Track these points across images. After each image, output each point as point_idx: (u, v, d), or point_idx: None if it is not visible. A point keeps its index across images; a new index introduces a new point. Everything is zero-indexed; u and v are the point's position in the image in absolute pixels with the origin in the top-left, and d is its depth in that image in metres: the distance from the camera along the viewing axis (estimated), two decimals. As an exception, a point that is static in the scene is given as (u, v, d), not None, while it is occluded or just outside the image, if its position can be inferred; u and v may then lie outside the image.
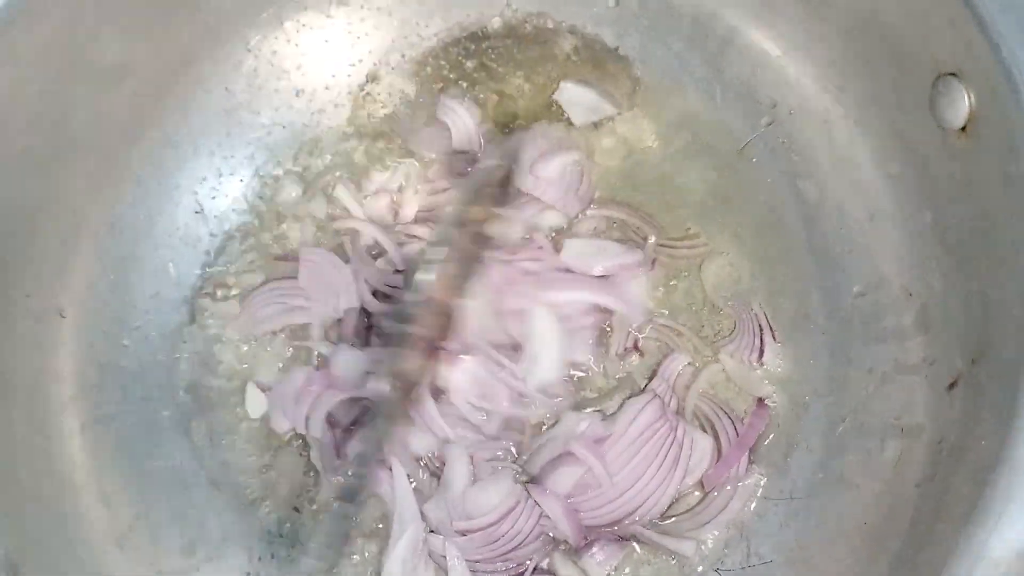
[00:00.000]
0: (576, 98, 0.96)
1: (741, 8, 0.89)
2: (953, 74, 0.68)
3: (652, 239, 0.90)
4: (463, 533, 0.79)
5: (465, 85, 0.98)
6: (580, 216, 0.92)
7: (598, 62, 0.98)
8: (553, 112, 0.97)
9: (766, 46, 0.89)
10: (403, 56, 1.00)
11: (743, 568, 0.78)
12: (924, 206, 0.76)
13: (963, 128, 0.68)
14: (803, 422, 0.82)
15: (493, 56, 0.99)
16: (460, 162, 0.95)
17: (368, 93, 0.99)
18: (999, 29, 0.63)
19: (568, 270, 0.88)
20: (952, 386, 0.69)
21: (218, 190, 0.96)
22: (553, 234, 0.91)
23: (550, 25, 0.99)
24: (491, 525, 0.79)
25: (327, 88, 0.99)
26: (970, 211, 0.69)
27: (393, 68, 1.00)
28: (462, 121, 0.96)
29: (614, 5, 0.96)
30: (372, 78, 1.00)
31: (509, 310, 0.85)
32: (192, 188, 0.95)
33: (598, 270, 0.88)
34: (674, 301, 0.89)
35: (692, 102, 0.94)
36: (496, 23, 1.00)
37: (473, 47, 1.00)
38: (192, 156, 0.95)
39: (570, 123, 0.96)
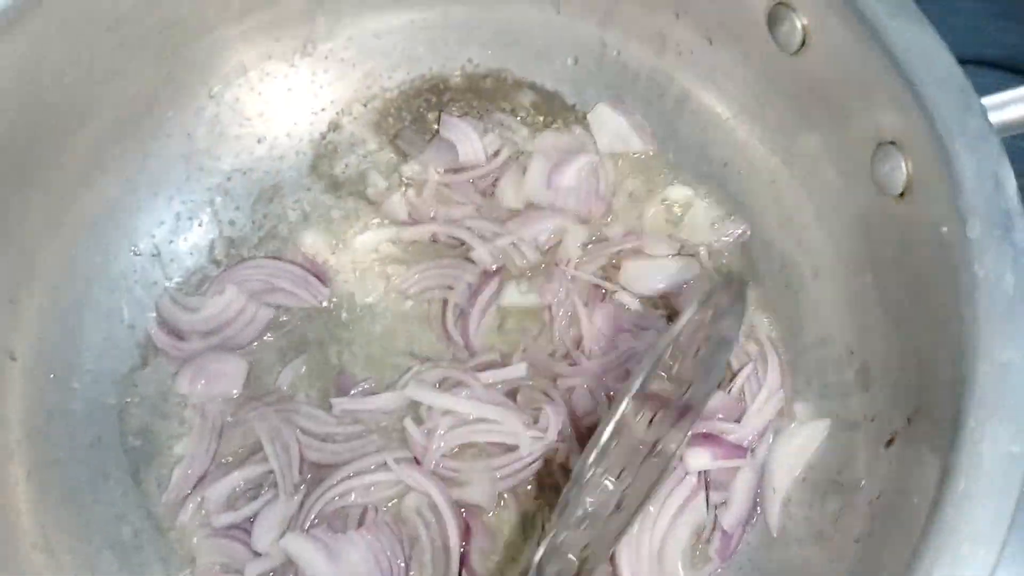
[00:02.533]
0: (609, 123, 0.98)
1: (693, 71, 0.92)
2: (892, 143, 0.71)
3: (703, 251, 0.91)
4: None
5: (427, 137, 1.00)
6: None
7: (557, 116, 1.00)
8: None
9: (718, 109, 0.92)
10: (365, 106, 1.02)
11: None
12: (865, 267, 0.78)
13: (901, 194, 0.71)
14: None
15: (454, 109, 1.01)
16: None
17: (330, 142, 1.01)
18: (936, 102, 0.66)
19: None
20: (890, 443, 0.71)
21: (176, 234, 0.96)
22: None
23: (510, 81, 1.01)
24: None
25: (288, 136, 1.00)
26: (907, 274, 0.72)
27: (355, 118, 1.01)
28: (466, 136, 0.97)
29: (573, 64, 0.99)
30: (334, 127, 1.01)
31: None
32: (150, 231, 0.95)
33: (660, 289, 0.90)
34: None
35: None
36: (457, 77, 1.02)
37: (434, 99, 1.02)
38: (151, 200, 0.95)
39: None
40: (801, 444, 0.81)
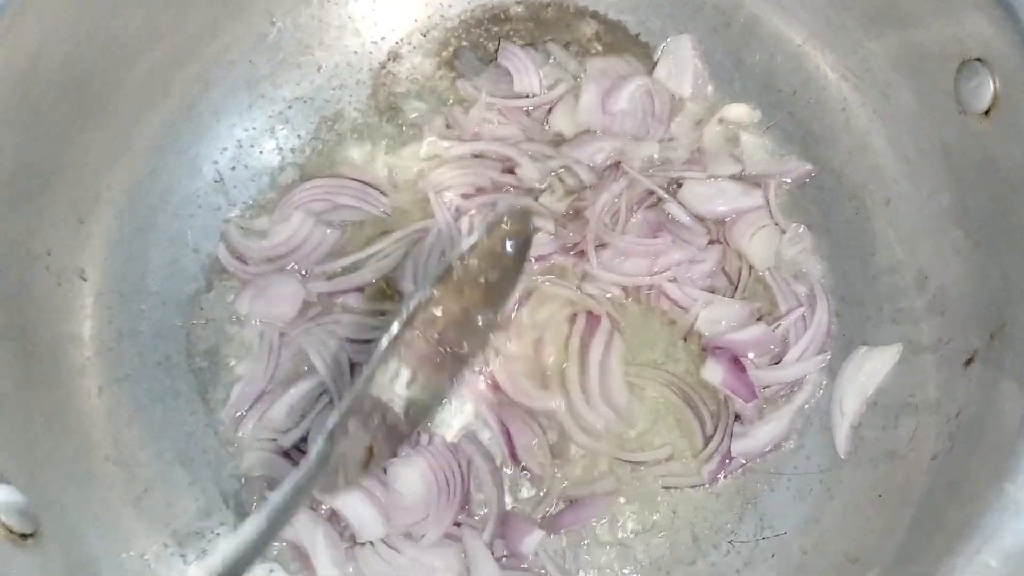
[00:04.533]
0: (678, 59, 0.96)
1: (762, -5, 0.91)
2: (978, 59, 0.70)
3: (772, 185, 0.90)
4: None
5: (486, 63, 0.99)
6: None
7: (619, 48, 0.99)
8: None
9: (787, 34, 0.91)
10: (424, 36, 1.01)
11: (756, 540, 0.79)
12: (942, 189, 0.78)
13: (986, 112, 0.70)
14: (817, 401, 0.83)
15: (514, 38, 1.00)
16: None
17: (389, 71, 1.00)
18: (1025, 13, 0.65)
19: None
20: (969, 362, 0.70)
21: (238, 161, 0.96)
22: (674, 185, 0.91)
23: (572, 10, 1.00)
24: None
25: (349, 65, 1.00)
26: (989, 192, 0.71)
27: (414, 47, 1.01)
28: (523, 65, 0.96)
29: (636, -9, 0.98)
30: (393, 56, 1.00)
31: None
32: (212, 158, 0.95)
33: (720, 212, 0.89)
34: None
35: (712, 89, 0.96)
36: (518, 7, 1.01)
37: (495, 29, 1.01)
38: (213, 127, 0.95)
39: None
40: (871, 369, 0.80)
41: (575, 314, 0.87)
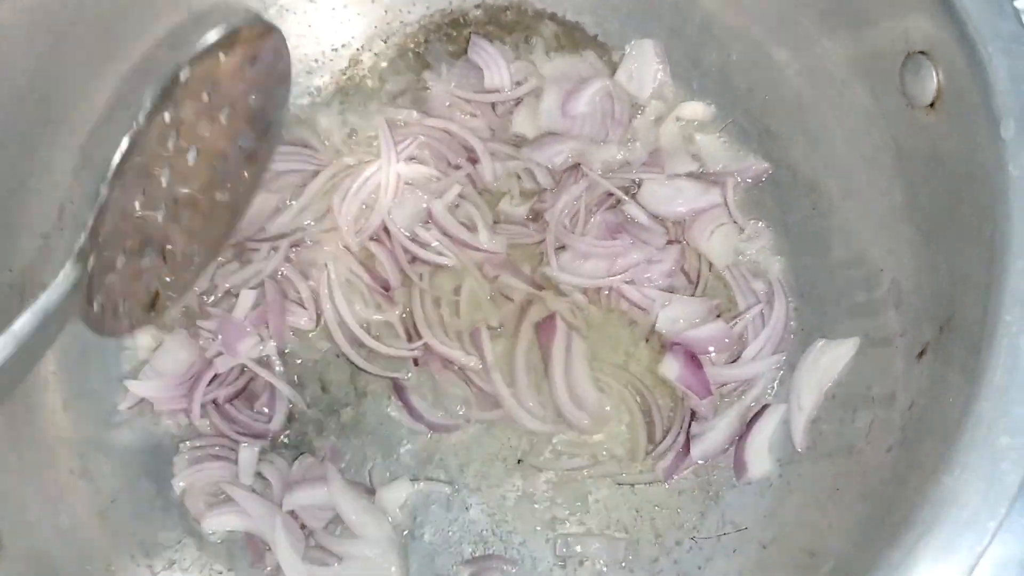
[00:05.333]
0: (640, 65, 0.96)
1: (718, -7, 0.92)
2: (922, 52, 0.70)
3: (730, 183, 0.91)
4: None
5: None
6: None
7: (579, 48, 0.99)
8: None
9: (743, 32, 0.91)
10: (385, 42, 1.01)
11: (718, 536, 0.79)
12: (894, 184, 0.78)
13: (931, 104, 0.70)
14: (776, 395, 0.84)
15: (476, 42, 1.00)
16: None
17: (350, 78, 1.01)
18: (966, 7, 0.65)
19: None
20: (921, 354, 0.71)
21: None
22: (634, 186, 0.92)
23: (530, 12, 1.01)
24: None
25: (309, 72, 1.00)
26: (937, 186, 0.72)
27: (376, 54, 1.01)
28: (494, 61, 0.96)
29: (595, -8, 0.98)
30: (354, 63, 1.01)
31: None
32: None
33: (679, 212, 0.90)
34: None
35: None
36: (477, 10, 1.01)
37: (455, 33, 1.01)
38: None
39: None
40: (829, 362, 0.81)
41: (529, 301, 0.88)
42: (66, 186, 0.87)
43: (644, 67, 0.96)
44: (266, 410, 0.86)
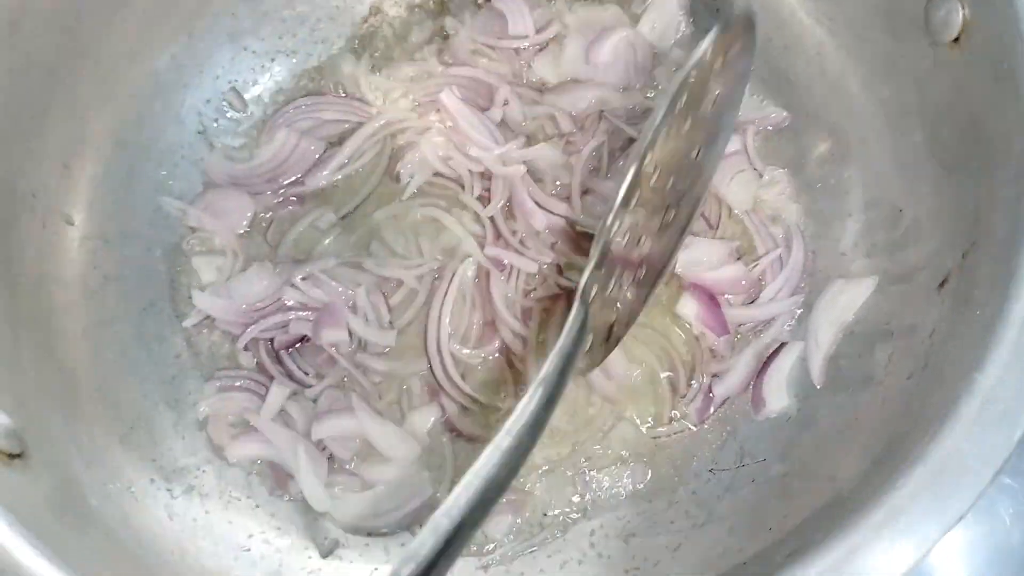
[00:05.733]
0: (663, 13, 0.97)
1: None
2: (947, -13, 0.72)
3: (750, 130, 0.91)
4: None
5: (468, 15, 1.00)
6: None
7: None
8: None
9: (763, -19, 0.92)
10: (408, -10, 1.02)
11: (736, 467, 0.80)
12: (915, 125, 0.79)
13: (956, 39, 0.72)
14: (793, 334, 0.85)
15: (498, -9, 1.01)
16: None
17: (371, 25, 1.01)
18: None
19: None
20: (943, 284, 0.72)
21: (221, 113, 0.96)
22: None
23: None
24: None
25: (331, 19, 1.01)
26: (960, 121, 0.73)
27: (397, 2, 1.01)
28: (517, 7, 0.97)
29: (616, -57, 0.99)
30: (375, 11, 1.01)
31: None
32: (196, 109, 0.96)
33: None
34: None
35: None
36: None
37: (478, -18, 1.02)
38: (196, 78, 0.96)
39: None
40: (847, 301, 0.82)
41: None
42: (89, 117, 0.87)
43: (667, 18, 0.97)
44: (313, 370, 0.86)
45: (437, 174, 0.93)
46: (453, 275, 0.87)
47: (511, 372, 0.85)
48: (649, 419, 0.84)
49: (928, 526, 0.52)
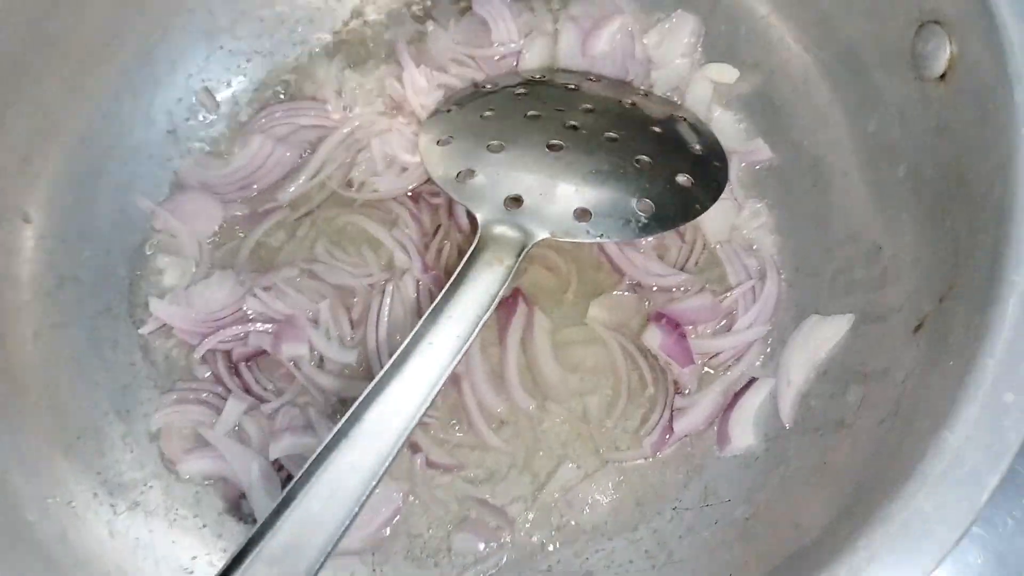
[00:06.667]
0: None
1: (731, -35, 0.91)
2: (935, 22, 0.70)
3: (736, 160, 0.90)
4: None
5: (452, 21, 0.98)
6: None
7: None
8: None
9: (753, 5, 0.90)
10: (389, -5, 1.00)
11: (700, 507, 0.78)
12: (899, 159, 0.77)
13: (942, 76, 0.70)
14: (766, 370, 0.83)
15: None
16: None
17: (352, 29, 0.99)
18: (983, -29, 0.65)
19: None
20: (918, 328, 0.70)
21: (193, 113, 0.94)
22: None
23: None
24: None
25: (311, 21, 0.98)
26: (944, 157, 0.71)
27: (379, 6, 0.99)
28: (500, 14, 0.95)
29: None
30: (357, 14, 0.99)
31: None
32: (167, 108, 0.93)
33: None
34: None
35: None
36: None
37: (461, -13, 1.00)
38: (169, 76, 0.93)
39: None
40: (821, 338, 0.79)
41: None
42: (54, 112, 0.84)
43: (676, 39, 0.94)
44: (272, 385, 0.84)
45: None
46: (390, 288, 0.85)
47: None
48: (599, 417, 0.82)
49: (886, 592, 0.50)
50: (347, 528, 0.57)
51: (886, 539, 0.51)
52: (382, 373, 0.65)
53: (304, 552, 0.55)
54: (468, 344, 0.67)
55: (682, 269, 0.86)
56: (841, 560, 0.52)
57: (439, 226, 0.89)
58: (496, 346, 0.84)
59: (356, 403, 0.63)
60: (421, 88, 0.93)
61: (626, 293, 0.86)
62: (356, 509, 0.58)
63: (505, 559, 0.77)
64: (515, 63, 0.95)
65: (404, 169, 0.91)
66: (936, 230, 0.71)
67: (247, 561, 0.54)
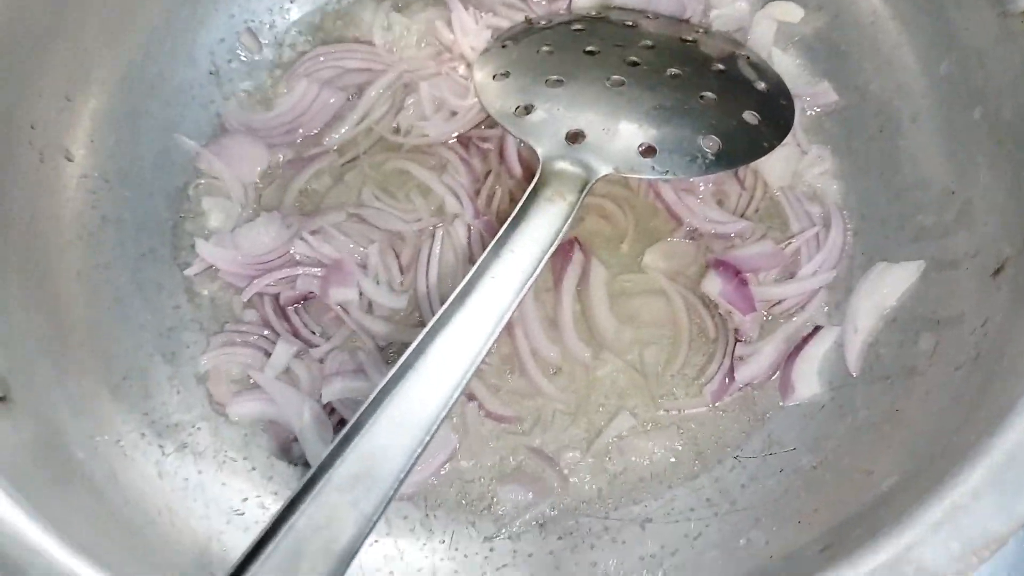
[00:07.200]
0: None
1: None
2: (1024, -50, 0.67)
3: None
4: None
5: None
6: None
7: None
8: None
9: (816, -55, 0.87)
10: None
11: (763, 456, 0.75)
12: (974, 101, 0.74)
13: (1028, 7, 0.67)
14: (831, 319, 0.80)
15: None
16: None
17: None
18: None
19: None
20: (998, 272, 0.67)
21: (234, 54, 0.91)
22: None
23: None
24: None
25: (353, -37, 0.95)
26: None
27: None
28: None
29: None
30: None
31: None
32: (208, 48, 0.91)
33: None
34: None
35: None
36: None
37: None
38: (211, 15, 0.91)
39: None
40: (890, 286, 0.77)
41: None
42: (97, 50, 0.82)
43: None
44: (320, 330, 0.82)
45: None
46: (440, 234, 0.83)
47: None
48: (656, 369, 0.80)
49: (995, 523, 0.47)
50: (417, 458, 0.55)
51: (988, 474, 0.49)
52: (445, 306, 0.63)
53: (375, 481, 0.54)
54: (532, 280, 0.65)
55: (742, 216, 0.84)
56: (939, 498, 0.50)
57: (490, 171, 0.87)
58: (550, 292, 0.81)
59: (419, 337, 0.61)
60: (470, 29, 0.90)
61: (684, 240, 0.83)
62: (426, 438, 0.56)
63: (560, 506, 0.75)
64: (567, 3, 0.92)
65: (453, 113, 0.89)
66: (1016, 172, 0.68)
67: (318, 486, 0.53)
